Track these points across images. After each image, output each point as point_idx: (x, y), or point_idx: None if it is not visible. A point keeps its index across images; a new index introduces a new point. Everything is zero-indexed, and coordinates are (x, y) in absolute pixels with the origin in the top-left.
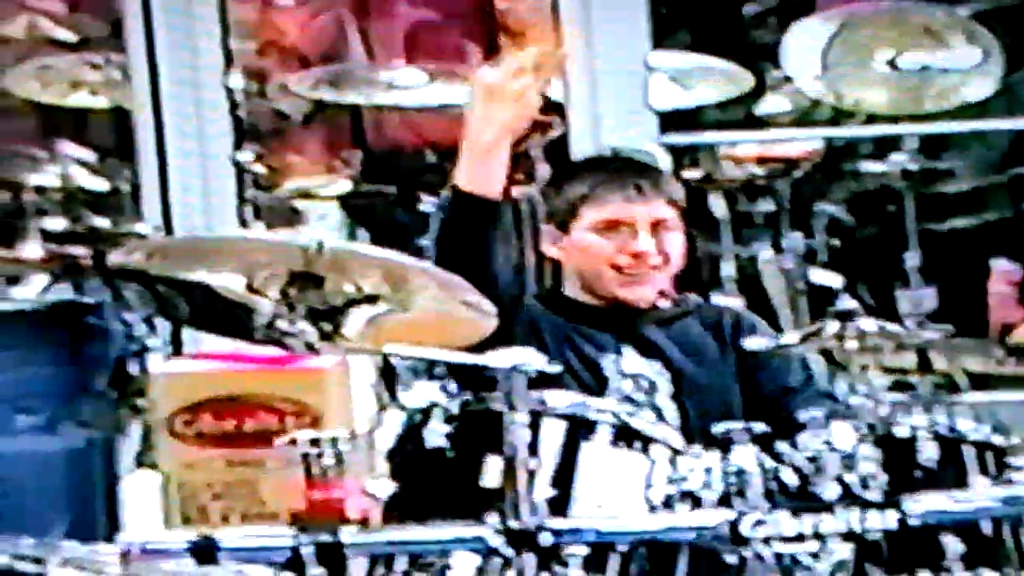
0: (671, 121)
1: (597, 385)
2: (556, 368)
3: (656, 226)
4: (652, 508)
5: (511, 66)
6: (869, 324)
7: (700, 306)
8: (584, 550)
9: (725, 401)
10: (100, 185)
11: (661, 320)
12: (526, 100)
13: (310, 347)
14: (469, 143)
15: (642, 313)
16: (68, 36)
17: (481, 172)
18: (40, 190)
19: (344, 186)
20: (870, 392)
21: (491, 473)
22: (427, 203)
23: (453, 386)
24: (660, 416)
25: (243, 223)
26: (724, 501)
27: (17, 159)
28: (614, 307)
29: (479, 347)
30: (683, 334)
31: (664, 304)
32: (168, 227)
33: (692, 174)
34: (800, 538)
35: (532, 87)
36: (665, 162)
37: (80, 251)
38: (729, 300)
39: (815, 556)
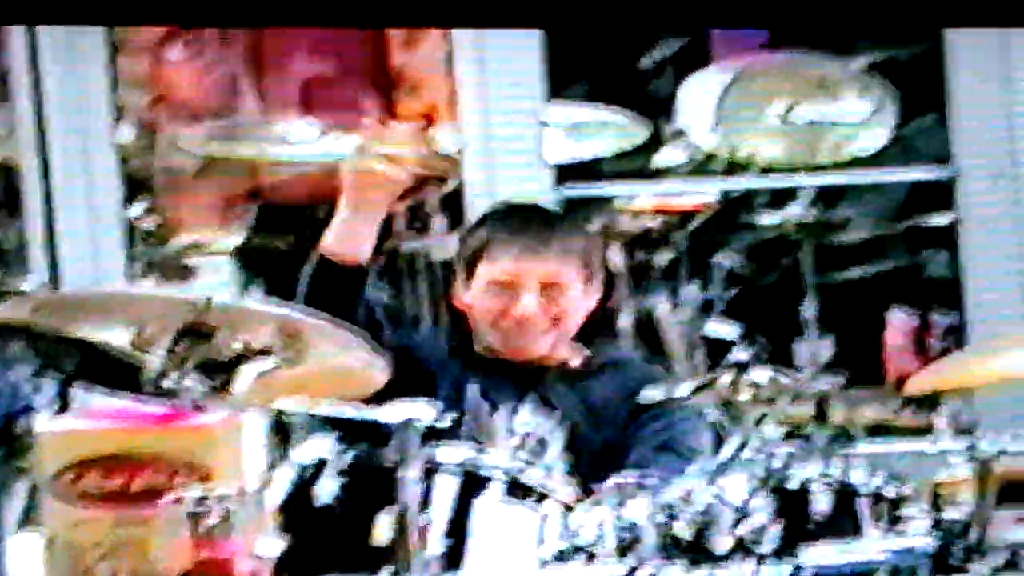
0: (567, 173)
1: (487, 441)
2: (447, 422)
3: (548, 286)
4: (544, 563)
5: (379, 142)
6: (763, 374)
7: (618, 361)
8: None
9: (617, 459)
10: None
11: (568, 376)
12: (395, 175)
13: (199, 403)
14: (340, 210)
15: (548, 369)
16: None
17: (348, 238)
18: None
19: (236, 240)
20: (764, 443)
21: (383, 529)
22: None
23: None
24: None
25: (132, 279)
26: (617, 555)
27: None
28: (523, 362)
29: (372, 400)
30: (588, 391)
31: (575, 361)
32: (56, 283)
33: (590, 226)
34: None
35: (402, 162)
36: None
37: None
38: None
39: None
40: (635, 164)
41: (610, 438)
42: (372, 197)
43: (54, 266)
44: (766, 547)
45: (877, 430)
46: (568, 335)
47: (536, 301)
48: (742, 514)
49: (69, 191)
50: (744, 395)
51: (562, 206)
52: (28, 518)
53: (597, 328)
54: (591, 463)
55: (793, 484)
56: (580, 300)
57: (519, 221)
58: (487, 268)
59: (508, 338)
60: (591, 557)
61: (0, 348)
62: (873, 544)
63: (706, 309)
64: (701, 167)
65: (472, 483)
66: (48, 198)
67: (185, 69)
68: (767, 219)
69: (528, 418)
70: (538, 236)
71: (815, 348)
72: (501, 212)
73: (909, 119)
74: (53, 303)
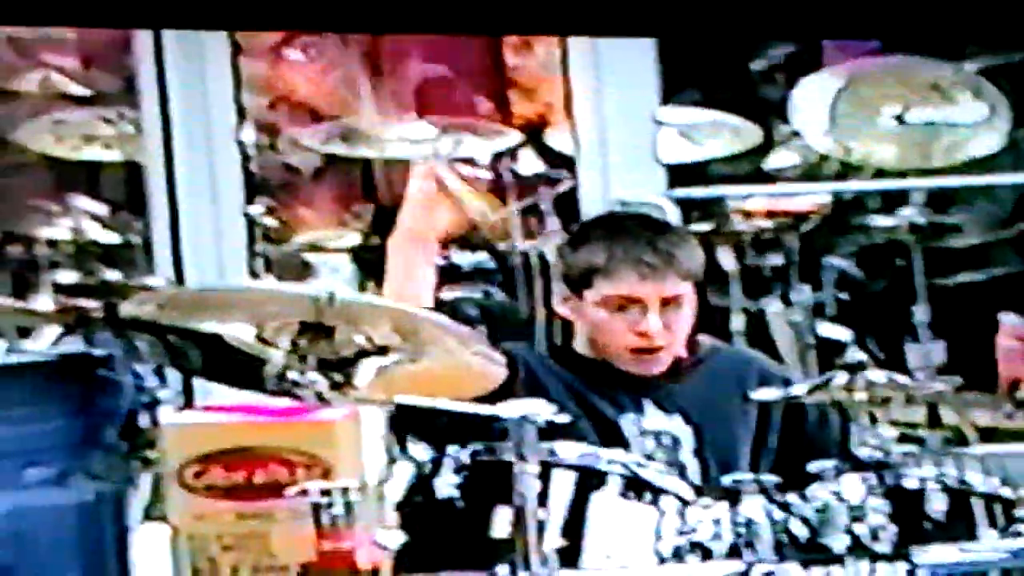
0: (680, 175)
1: (617, 444)
2: (565, 418)
3: (667, 303)
4: (662, 559)
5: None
6: (878, 375)
7: (719, 353)
8: None
9: (743, 453)
10: (112, 238)
11: (678, 375)
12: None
13: (321, 398)
14: (389, 263)
15: (659, 373)
16: (82, 91)
17: (403, 292)
18: (52, 243)
19: (354, 239)
20: (879, 443)
21: (501, 524)
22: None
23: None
24: (683, 472)
25: (254, 276)
26: (733, 552)
27: (30, 213)
28: None
29: (489, 397)
30: (700, 386)
31: (680, 355)
32: (180, 280)
33: (701, 227)
34: None
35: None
36: (674, 215)
37: (92, 304)
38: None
39: None
40: (747, 166)
41: (733, 434)
42: (418, 245)
43: (178, 263)
44: (882, 546)
45: (990, 433)
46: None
47: (659, 320)
48: (858, 513)
49: (193, 190)
50: (859, 396)
51: (672, 212)
52: (153, 510)
53: (702, 328)
54: (716, 459)
55: (909, 484)
56: (691, 313)
57: (640, 238)
58: (608, 286)
59: (634, 356)
60: (707, 553)
61: (127, 343)
62: (987, 545)
63: (818, 311)
64: (813, 170)
65: (590, 478)
66: (173, 197)
67: (305, 70)
68: (879, 222)
69: (657, 419)
70: (656, 255)
71: (927, 352)
72: (614, 224)
73: (1022, 123)
74: (178, 299)
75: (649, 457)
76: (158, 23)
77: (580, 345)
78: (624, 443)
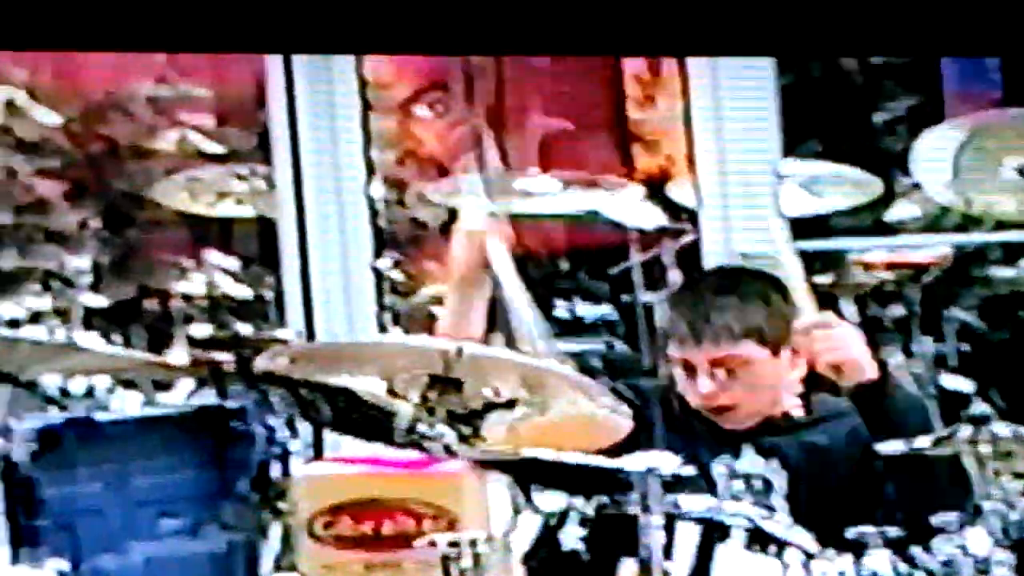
0: (801, 227)
1: (706, 485)
2: (690, 470)
3: (717, 365)
4: None
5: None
6: (1003, 428)
7: (840, 412)
8: None
9: (857, 506)
10: (245, 292)
11: (787, 428)
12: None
13: (449, 450)
14: (448, 296)
15: (764, 421)
16: (216, 148)
17: (456, 325)
18: (187, 298)
19: None
20: (1004, 496)
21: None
22: (561, 308)
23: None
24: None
25: (382, 329)
26: None
27: (165, 268)
28: None
29: (615, 450)
30: (810, 439)
31: (796, 412)
32: (310, 333)
33: (822, 279)
34: None
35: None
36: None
37: (224, 357)
38: None
39: None
40: (868, 218)
41: (841, 486)
42: (474, 275)
43: (309, 316)
44: None
45: None
46: (772, 402)
47: (709, 383)
48: (984, 566)
49: (323, 245)
50: (983, 449)
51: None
52: (283, 560)
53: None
54: (818, 510)
55: None
56: (770, 371)
57: (686, 303)
58: (672, 348)
59: (711, 414)
60: None
61: (259, 396)
62: None
63: (939, 363)
64: (935, 222)
65: (714, 531)
66: (303, 251)
67: (432, 126)
68: (1001, 274)
69: (752, 461)
70: (698, 321)
71: None
72: (689, 288)
73: None
74: (310, 353)
75: (735, 498)
76: (291, 81)
77: None
78: (712, 484)
